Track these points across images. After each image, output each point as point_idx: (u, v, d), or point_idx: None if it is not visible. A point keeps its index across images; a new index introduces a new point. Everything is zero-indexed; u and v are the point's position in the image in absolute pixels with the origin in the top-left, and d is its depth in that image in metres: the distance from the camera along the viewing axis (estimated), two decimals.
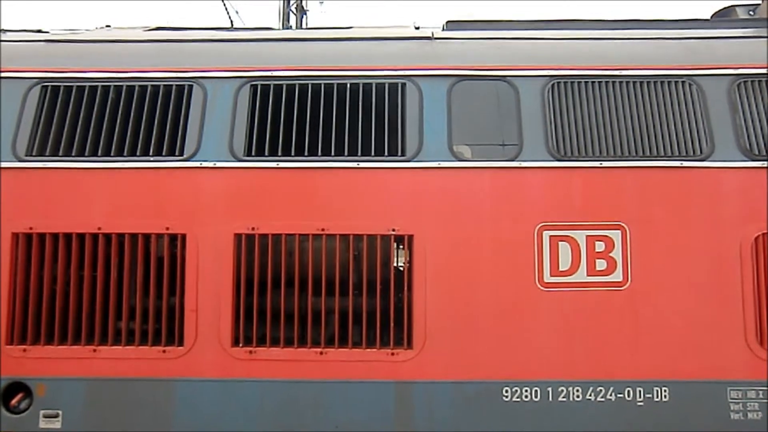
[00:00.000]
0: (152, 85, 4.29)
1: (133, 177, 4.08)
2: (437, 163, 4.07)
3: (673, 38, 4.52)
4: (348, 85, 4.27)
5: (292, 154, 4.12)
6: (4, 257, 3.97)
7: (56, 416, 3.88)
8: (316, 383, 3.89)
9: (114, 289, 4.00)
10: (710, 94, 4.19)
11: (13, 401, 3.89)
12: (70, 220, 4.03)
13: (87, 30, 5.13)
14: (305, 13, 16.44)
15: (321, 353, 3.92)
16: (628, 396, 3.84)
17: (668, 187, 4.01)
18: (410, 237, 3.99)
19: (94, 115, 4.22)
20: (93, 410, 3.89)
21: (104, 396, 3.90)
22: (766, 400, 3.81)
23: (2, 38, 4.65)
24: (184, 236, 4.01)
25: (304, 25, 16.09)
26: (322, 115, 4.20)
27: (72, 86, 4.28)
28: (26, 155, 4.12)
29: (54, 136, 4.18)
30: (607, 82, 4.24)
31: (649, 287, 3.91)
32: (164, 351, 3.94)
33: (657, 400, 3.83)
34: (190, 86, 4.27)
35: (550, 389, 3.85)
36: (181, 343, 3.94)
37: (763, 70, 4.24)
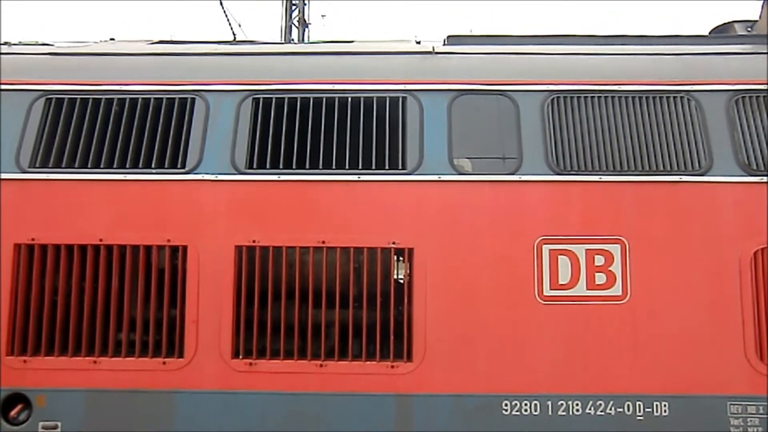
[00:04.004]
0: (155, 98, 4.32)
1: (135, 189, 4.10)
2: (438, 176, 4.09)
3: (672, 54, 4.55)
4: (349, 99, 4.30)
5: (294, 167, 4.14)
6: (6, 268, 3.98)
7: (55, 427, 3.87)
8: (316, 396, 3.89)
9: (115, 300, 4.01)
10: (709, 109, 4.22)
11: (13, 412, 3.89)
12: (72, 231, 4.05)
13: (91, 43, 5.18)
14: (307, 27, 16.55)
15: (321, 366, 3.92)
16: (628, 410, 3.83)
17: (667, 201, 4.02)
18: (410, 250, 4.01)
19: (97, 128, 4.25)
20: (92, 421, 3.88)
21: (104, 407, 3.89)
22: (766, 415, 3.81)
23: (7, 51, 4.70)
24: (185, 248, 4.02)
25: (306, 39, 16.18)
26: (324, 128, 4.22)
27: (76, 99, 4.32)
28: (29, 167, 4.15)
29: (57, 148, 4.21)
30: (606, 97, 4.28)
31: (648, 301, 3.91)
32: (164, 363, 3.94)
33: (657, 414, 3.82)
34: (193, 99, 4.31)
35: (549, 403, 3.84)
36: (181, 355, 3.94)
37: (761, 86, 4.27)
